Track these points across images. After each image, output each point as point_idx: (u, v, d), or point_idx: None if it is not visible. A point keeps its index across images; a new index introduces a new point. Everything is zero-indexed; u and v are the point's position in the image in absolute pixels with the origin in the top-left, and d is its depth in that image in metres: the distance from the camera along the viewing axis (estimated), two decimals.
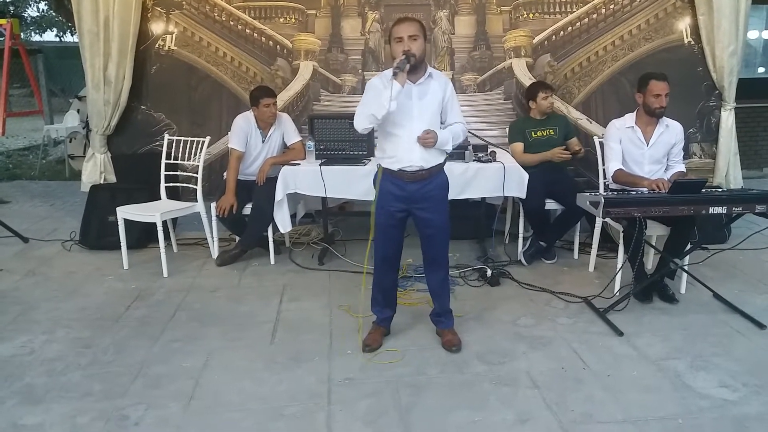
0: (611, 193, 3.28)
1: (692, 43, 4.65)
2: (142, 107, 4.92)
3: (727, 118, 4.63)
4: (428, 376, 2.79)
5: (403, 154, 2.85)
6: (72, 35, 16.90)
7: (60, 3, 10.82)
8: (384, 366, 2.89)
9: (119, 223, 4.21)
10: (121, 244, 4.26)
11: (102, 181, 4.92)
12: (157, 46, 4.84)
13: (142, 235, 4.64)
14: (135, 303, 3.69)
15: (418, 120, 2.83)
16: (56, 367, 2.92)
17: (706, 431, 2.36)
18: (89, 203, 4.83)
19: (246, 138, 4.25)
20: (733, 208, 3.14)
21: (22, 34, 13.27)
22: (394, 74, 2.67)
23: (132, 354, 3.05)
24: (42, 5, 16.42)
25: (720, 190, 3.43)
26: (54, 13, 14.67)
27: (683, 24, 4.65)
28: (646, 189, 3.49)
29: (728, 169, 4.70)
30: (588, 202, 3.24)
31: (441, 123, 2.96)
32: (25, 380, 2.80)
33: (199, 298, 3.78)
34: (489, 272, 3.92)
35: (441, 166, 2.96)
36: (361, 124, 2.82)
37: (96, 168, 4.92)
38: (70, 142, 8.45)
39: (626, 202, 3.13)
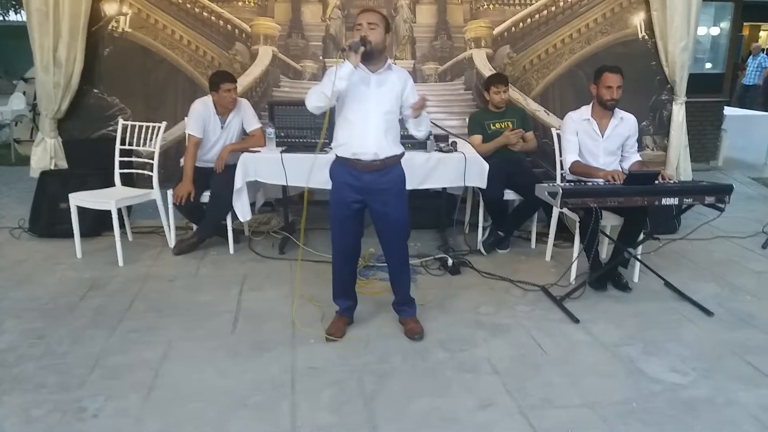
0: (568, 184, 3.35)
1: (646, 37, 4.79)
2: (95, 90, 4.77)
3: (678, 112, 4.79)
4: (391, 364, 2.81)
5: (357, 140, 2.83)
6: (16, 14, 16.10)
7: None
8: (347, 354, 2.90)
9: (72, 210, 4.07)
10: (74, 232, 4.12)
11: (52, 167, 4.75)
12: (110, 27, 4.68)
13: (95, 223, 4.48)
14: (90, 292, 3.59)
15: (374, 108, 2.82)
16: (7, 358, 2.82)
17: (658, 414, 2.46)
18: (39, 190, 4.66)
19: (204, 124, 4.16)
20: (684, 200, 3.26)
21: None
22: (346, 54, 2.70)
23: (88, 345, 2.97)
24: None
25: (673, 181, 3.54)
26: None
27: (638, 19, 4.78)
28: (602, 180, 3.59)
29: (679, 161, 4.87)
30: (546, 193, 3.31)
31: (400, 116, 2.96)
32: None
33: (156, 287, 3.69)
34: (450, 261, 3.97)
35: (397, 158, 2.94)
36: (310, 102, 2.80)
37: (46, 153, 4.74)
38: (16, 125, 8.11)
39: (583, 193, 3.21)
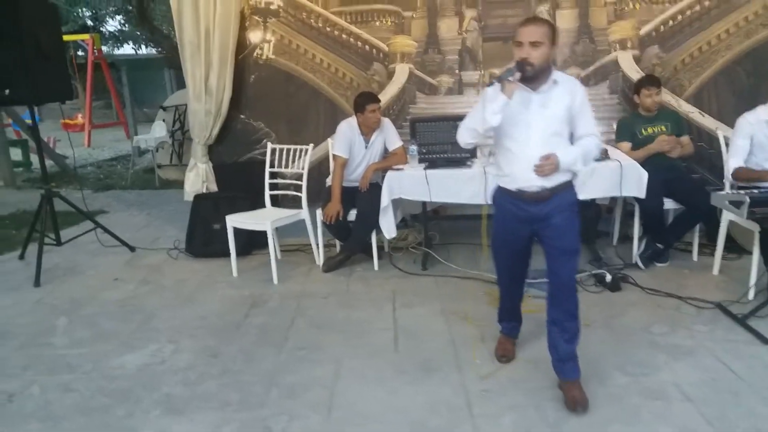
0: (755, 192, 3.06)
1: None
2: (242, 116, 5.01)
3: None
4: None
5: (520, 173, 2.49)
6: (146, 48, 17.47)
7: (143, 17, 11.28)
8: (518, 377, 2.80)
9: (228, 231, 4.27)
10: (231, 251, 4.32)
11: (204, 191, 5.02)
12: (255, 54, 4.91)
13: (246, 243, 4.69)
14: (252, 310, 3.73)
15: (537, 134, 2.46)
16: (190, 376, 2.97)
17: None
18: (194, 212, 4.94)
19: (349, 145, 4.25)
20: None
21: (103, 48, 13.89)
22: (501, 85, 2.36)
23: (260, 362, 3.07)
24: (119, 19, 17.07)
25: None
26: (135, 28, 15.22)
27: None
28: None
29: None
30: (727, 202, 3.05)
31: (570, 136, 2.58)
32: (163, 390, 2.85)
33: (312, 304, 3.79)
34: (608, 277, 3.77)
35: (568, 183, 2.56)
36: (462, 138, 2.56)
37: (198, 178, 5.03)
38: (157, 151, 8.73)
39: None
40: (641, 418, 2.44)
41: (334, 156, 4.29)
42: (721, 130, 4.12)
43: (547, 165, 2.42)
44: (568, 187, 2.57)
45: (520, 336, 3.10)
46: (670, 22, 4.50)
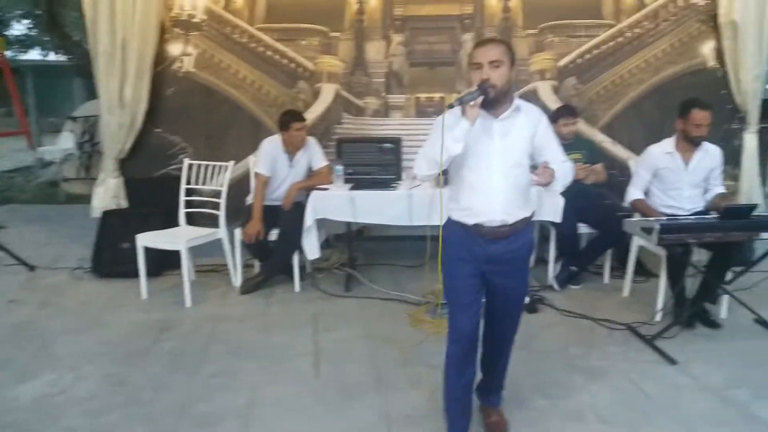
0: (664, 219, 3.21)
1: (716, 66, 4.69)
2: (157, 130, 4.79)
3: (751, 141, 4.66)
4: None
5: (481, 206, 2.25)
6: (56, 54, 16.57)
7: (53, 23, 10.69)
8: (438, 401, 2.76)
9: (138, 251, 4.04)
10: (140, 272, 4.08)
11: (114, 207, 4.75)
12: (174, 67, 4.72)
13: (157, 263, 4.45)
14: (162, 335, 3.52)
15: (500, 165, 2.22)
16: (92, 407, 2.75)
17: None
18: (101, 229, 4.64)
19: (272, 163, 4.14)
20: None
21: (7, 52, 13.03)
22: (462, 109, 2.13)
23: (170, 391, 2.88)
24: (26, 23, 16.15)
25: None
26: (43, 34, 14.42)
27: (707, 48, 4.69)
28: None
29: (751, 191, 4.71)
30: (639, 228, 3.18)
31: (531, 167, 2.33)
32: (62, 423, 2.62)
33: (228, 328, 3.62)
34: (526, 299, 3.83)
35: (527, 220, 2.34)
36: (420, 170, 2.27)
37: (108, 193, 4.75)
38: (63, 164, 8.23)
39: (680, 229, 3.08)
40: None
41: (256, 174, 4.17)
42: (632, 159, 4.34)
43: (547, 171, 2.18)
44: (527, 223, 2.35)
45: (437, 358, 3.04)
46: (587, 56, 4.71)
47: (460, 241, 2.30)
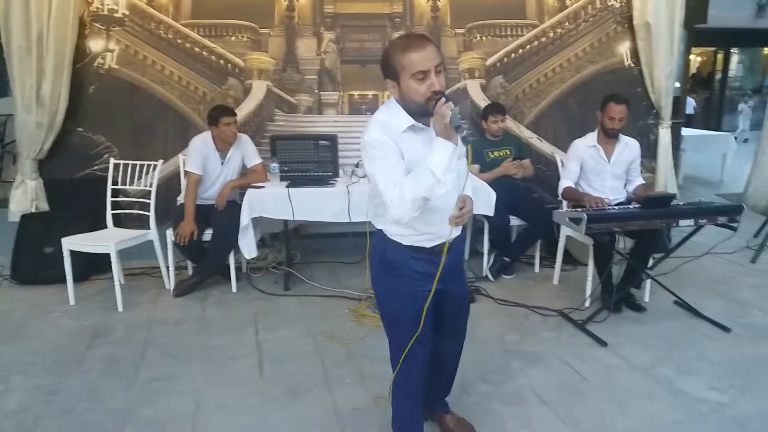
0: (590, 210, 3.38)
1: (632, 65, 4.97)
2: (79, 129, 4.57)
3: (665, 135, 4.98)
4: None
5: (443, 228, 1.98)
6: None
7: None
8: (386, 394, 2.80)
9: (65, 255, 3.84)
10: (67, 277, 3.88)
11: (33, 210, 4.49)
12: (95, 64, 4.52)
13: (84, 267, 4.25)
14: (95, 341, 3.38)
15: (454, 177, 1.94)
16: (25, 419, 2.61)
17: None
18: (20, 234, 4.38)
19: (203, 161, 4.05)
20: (700, 221, 3.35)
21: None
22: (451, 131, 1.82)
23: (109, 398, 2.78)
24: None
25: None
26: None
27: (624, 48, 4.97)
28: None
29: (665, 182, 5.03)
30: (567, 219, 3.34)
31: None
32: None
33: (164, 332, 3.51)
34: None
35: None
36: (407, 213, 1.87)
37: (26, 196, 4.49)
38: None
39: (606, 218, 3.25)
40: (504, 424, 2.56)
41: (186, 173, 4.06)
42: (557, 154, 4.54)
43: (467, 212, 1.99)
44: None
45: (384, 353, 3.09)
46: (513, 55, 4.88)
47: (414, 261, 2.07)
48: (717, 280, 4.32)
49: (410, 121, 1.93)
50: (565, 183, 3.98)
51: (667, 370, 3.01)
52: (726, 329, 3.45)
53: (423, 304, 2.06)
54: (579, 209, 3.44)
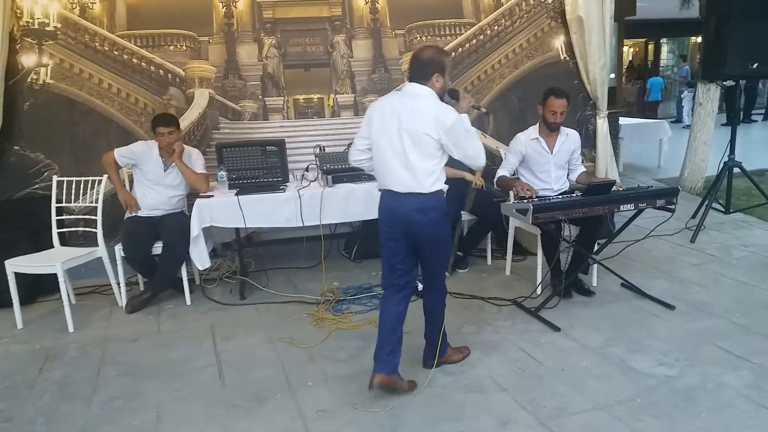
0: (536, 200, 3.49)
1: (567, 59, 5.15)
2: (15, 147, 4.42)
3: (602, 125, 5.17)
4: (399, 397, 2.76)
5: None
6: None
7: None
8: (351, 394, 2.83)
9: (9, 278, 3.71)
10: (13, 301, 3.76)
11: None
12: (29, 80, 4.38)
13: (29, 290, 4.12)
14: (47, 364, 3.28)
15: None
16: None
17: (663, 406, 2.60)
18: None
19: (134, 159, 4.01)
20: (639, 204, 3.51)
21: None
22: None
23: (67, 420, 2.71)
24: None
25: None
26: None
27: (558, 42, 5.15)
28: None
29: (606, 170, 5.23)
30: (515, 210, 3.44)
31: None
32: None
33: (120, 350, 3.44)
34: (420, 285, 3.99)
35: None
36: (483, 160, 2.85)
37: None
38: None
39: (551, 208, 3.36)
40: (466, 412, 2.63)
41: (106, 154, 4.02)
42: (501, 149, 4.66)
43: None
44: None
45: (348, 351, 3.14)
46: (453, 54, 4.98)
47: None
48: (660, 260, 4.53)
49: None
50: (500, 172, 4.09)
51: (618, 349, 3.14)
52: (671, 307, 3.62)
53: None
54: (525, 200, 3.55)
